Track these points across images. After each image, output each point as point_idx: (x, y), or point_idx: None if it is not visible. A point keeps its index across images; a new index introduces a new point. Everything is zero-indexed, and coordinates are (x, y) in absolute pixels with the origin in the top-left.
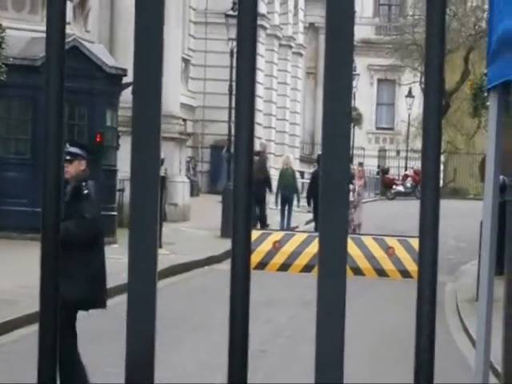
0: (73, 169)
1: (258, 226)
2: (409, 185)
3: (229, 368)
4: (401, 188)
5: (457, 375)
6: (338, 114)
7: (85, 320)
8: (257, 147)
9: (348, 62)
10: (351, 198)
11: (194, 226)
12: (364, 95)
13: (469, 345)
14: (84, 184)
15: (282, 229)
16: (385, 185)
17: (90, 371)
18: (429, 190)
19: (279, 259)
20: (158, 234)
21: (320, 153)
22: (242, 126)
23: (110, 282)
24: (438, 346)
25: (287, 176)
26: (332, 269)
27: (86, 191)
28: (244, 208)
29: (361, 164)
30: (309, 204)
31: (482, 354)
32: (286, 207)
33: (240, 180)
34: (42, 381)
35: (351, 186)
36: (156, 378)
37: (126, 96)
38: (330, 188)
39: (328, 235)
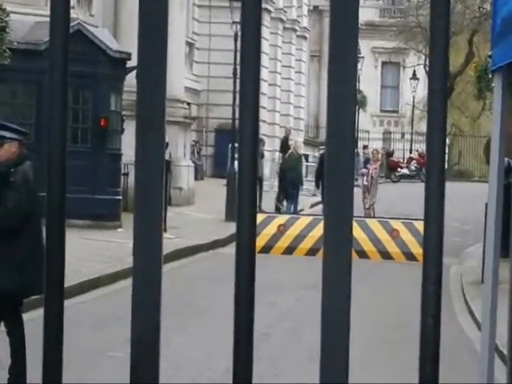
0: (4, 152)
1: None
2: (413, 167)
3: (234, 354)
4: (405, 171)
5: (462, 358)
6: (343, 97)
7: (91, 304)
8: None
9: (353, 45)
10: (365, 182)
11: (199, 210)
12: (368, 78)
13: (474, 327)
14: (12, 170)
15: (288, 212)
16: (389, 167)
17: (96, 355)
18: (434, 172)
19: (284, 242)
20: (162, 218)
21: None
22: (247, 110)
23: (116, 267)
24: (444, 329)
25: (293, 160)
26: (337, 251)
27: (11, 179)
28: (248, 191)
29: (365, 147)
30: (317, 186)
31: (487, 337)
32: (294, 191)
33: (244, 164)
34: (46, 367)
35: (364, 170)
36: (161, 362)
37: (131, 80)
38: (335, 171)
39: (333, 218)
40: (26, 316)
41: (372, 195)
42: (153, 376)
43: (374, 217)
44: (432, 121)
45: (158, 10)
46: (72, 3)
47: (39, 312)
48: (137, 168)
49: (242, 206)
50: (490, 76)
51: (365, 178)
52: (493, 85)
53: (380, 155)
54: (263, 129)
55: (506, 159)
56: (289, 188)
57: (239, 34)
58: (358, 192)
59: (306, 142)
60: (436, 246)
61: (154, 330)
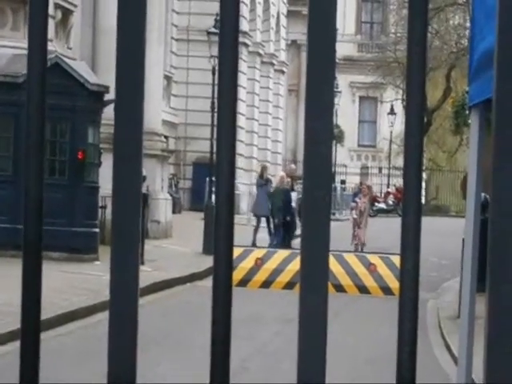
0: None
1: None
2: (391, 202)
3: None
4: (383, 205)
5: None
6: (320, 132)
7: (67, 337)
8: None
9: (330, 79)
10: (354, 215)
11: (176, 243)
12: (346, 112)
13: (451, 362)
14: None
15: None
16: None
17: None
18: (410, 206)
19: (261, 276)
20: (139, 251)
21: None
22: (224, 144)
23: (93, 299)
24: (420, 364)
25: (277, 195)
26: (314, 286)
27: None
28: (225, 225)
29: (343, 181)
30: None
31: (463, 372)
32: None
33: (222, 197)
34: None
35: (353, 204)
36: None
37: (108, 113)
38: (312, 205)
39: (309, 253)
40: (2, 348)
41: (362, 234)
42: None
43: (362, 250)
44: (408, 155)
45: (135, 43)
46: (50, 36)
47: (16, 344)
48: (114, 201)
49: (219, 240)
50: (467, 112)
51: (353, 211)
52: (470, 120)
53: (368, 189)
54: (240, 162)
55: (482, 194)
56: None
57: (217, 67)
58: (348, 224)
59: None
60: (412, 279)
61: (131, 364)
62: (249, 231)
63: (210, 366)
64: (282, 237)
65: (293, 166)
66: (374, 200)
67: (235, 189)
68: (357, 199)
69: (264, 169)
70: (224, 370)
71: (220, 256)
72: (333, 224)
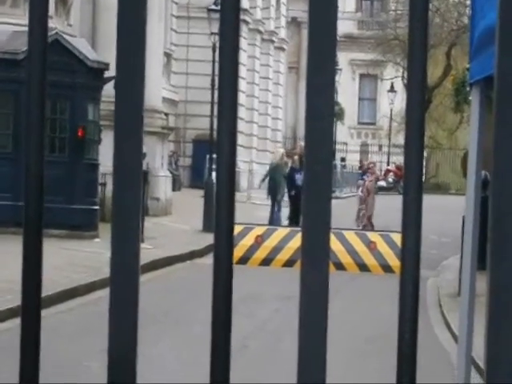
0: None
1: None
2: (391, 180)
3: (211, 365)
4: (383, 183)
5: (439, 371)
6: (321, 109)
7: (67, 314)
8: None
9: (331, 57)
10: (360, 193)
11: (176, 221)
12: (346, 90)
13: (451, 340)
14: None
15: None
16: None
17: (72, 365)
18: (411, 184)
19: (261, 254)
20: (140, 228)
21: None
22: (224, 121)
23: (93, 276)
24: (420, 342)
25: (271, 170)
26: (315, 263)
27: None
28: (226, 202)
29: (343, 159)
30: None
31: (464, 350)
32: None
33: (222, 174)
34: (23, 378)
35: (360, 182)
36: (138, 372)
37: (109, 90)
38: (313, 182)
39: (311, 229)
40: (2, 325)
41: (369, 207)
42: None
43: (372, 230)
44: (410, 133)
45: (136, 19)
46: (50, 13)
47: (16, 321)
48: (114, 178)
49: (220, 217)
50: (468, 89)
51: (360, 189)
52: (470, 98)
53: (375, 168)
54: (240, 140)
55: (483, 172)
56: (280, 197)
57: (217, 44)
58: (348, 202)
59: None
60: (413, 258)
61: (132, 341)
62: (249, 209)
63: (211, 344)
64: (289, 213)
65: (302, 143)
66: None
67: (235, 166)
68: (365, 177)
69: (287, 152)
70: (225, 348)
71: (221, 234)
72: (333, 202)
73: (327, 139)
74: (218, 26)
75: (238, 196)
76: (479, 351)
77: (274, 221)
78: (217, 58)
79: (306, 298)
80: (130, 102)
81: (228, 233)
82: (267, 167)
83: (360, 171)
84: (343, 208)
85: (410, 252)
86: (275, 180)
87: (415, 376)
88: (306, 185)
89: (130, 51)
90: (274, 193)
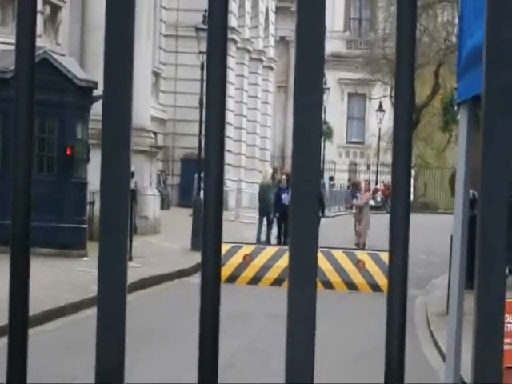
0: None
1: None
2: (379, 199)
3: (198, 382)
4: (371, 202)
5: None
6: (309, 128)
7: (56, 333)
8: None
9: (319, 76)
10: (353, 210)
11: (165, 239)
12: (335, 109)
13: (439, 359)
14: None
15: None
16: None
17: None
18: (399, 203)
19: (250, 272)
20: (127, 247)
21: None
22: (212, 140)
23: (81, 295)
24: (408, 360)
25: (261, 189)
26: (302, 282)
27: None
28: (214, 221)
29: (332, 178)
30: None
31: (451, 369)
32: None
33: (210, 193)
34: None
35: (354, 201)
36: None
37: (97, 109)
38: (300, 201)
39: (298, 249)
40: None
41: (363, 225)
42: None
43: (363, 248)
44: (397, 151)
45: (123, 38)
46: (39, 31)
47: (4, 340)
48: (102, 197)
49: (207, 236)
50: (456, 108)
51: (353, 207)
52: (458, 117)
53: (369, 186)
54: (229, 158)
55: (471, 191)
56: (272, 216)
57: (205, 63)
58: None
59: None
60: (401, 276)
61: (119, 359)
62: (238, 227)
63: (198, 361)
64: (277, 232)
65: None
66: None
67: (223, 185)
68: (358, 194)
69: (275, 171)
70: (213, 366)
71: (208, 252)
72: (322, 221)
73: (315, 158)
74: (206, 44)
75: (227, 215)
76: (467, 369)
77: (260, 239)
78: (205, 77)
79: (293, 318)
80: (118, 121)
81: (215, 251)
82: (256, 186)
83: (348, 190)
84: (332, 227)
85: (398, 270)
86: (266, 200)
87: None
88: (293, 204)
89: (118, 69)
90: (265, 212)
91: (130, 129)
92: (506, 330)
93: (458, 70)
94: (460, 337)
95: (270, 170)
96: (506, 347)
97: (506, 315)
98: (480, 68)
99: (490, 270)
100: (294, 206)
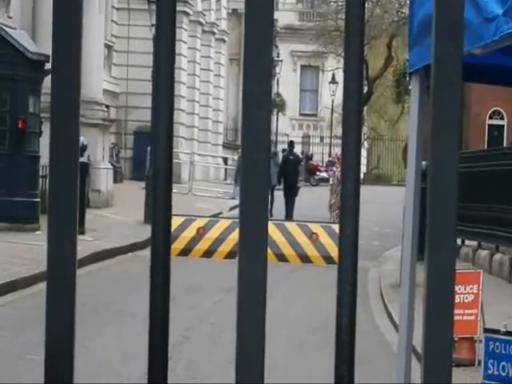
0: None
1: None
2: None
3: (149, 357)
4: (324, 174)
5: (380, 360)
6: (258, 96)
7: (8, 307)
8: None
9: (267, 42)
10: (331, 182)
11: (118, 213)
12: (287, 81)
13: (392, 330)
14: None
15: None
16: (308, 171)
17: (14, 358)
18: (349, 173)
19: (203, 246)
20: (77, 220)
21: (292, 139)
22: (161, 112)
23: (34, 269)
24: (362, 332)
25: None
26: (252, 253)
27: None
28: (163, 194)
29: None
30: (279, 183)
31: (404, 339)
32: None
33: (159, 166)
34: None
35: (331, 172)
36: (77, 365)
37: (49, 82)
38: (250, 170)
39: (248, 218)
40: None
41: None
42: (67, 377)
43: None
44: (347, 122)
45: (72, 10)
46: None
47: None
48: (51, 169)
49: (157, 209)
50: (408, 78)
51: (331, 179)
52: (410, 88)
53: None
54: (181, 131)
55: (423, 162)
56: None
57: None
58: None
59: (225, 145)
60: (351, 245)
61: (69, 333)
62: (191, 200)
63: (149, 335)
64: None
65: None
66: (314, 169)
67: (176, 157)
68: (334, 168)
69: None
70: (163, 340)
71: (158, 225)
72: (275, 193)
73: (264, 126)
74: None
75: (180, 188)
76: (420, 340)
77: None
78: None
79: (244, 290)
80: (66, 93)
81: (165, 224)
82: (209, 159)
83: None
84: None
85: (348, 238)
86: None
87: (354, 362)
88: (244, 173)
89: (66, 41)
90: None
91: (78, 100)
92: (456, 301)
93: (410, 39)
94: (412, 308)
95: None
96: (456, 318)
97: (457, 286)
98: (430, 38)
99: (439, 239)
100: (245, 174)
